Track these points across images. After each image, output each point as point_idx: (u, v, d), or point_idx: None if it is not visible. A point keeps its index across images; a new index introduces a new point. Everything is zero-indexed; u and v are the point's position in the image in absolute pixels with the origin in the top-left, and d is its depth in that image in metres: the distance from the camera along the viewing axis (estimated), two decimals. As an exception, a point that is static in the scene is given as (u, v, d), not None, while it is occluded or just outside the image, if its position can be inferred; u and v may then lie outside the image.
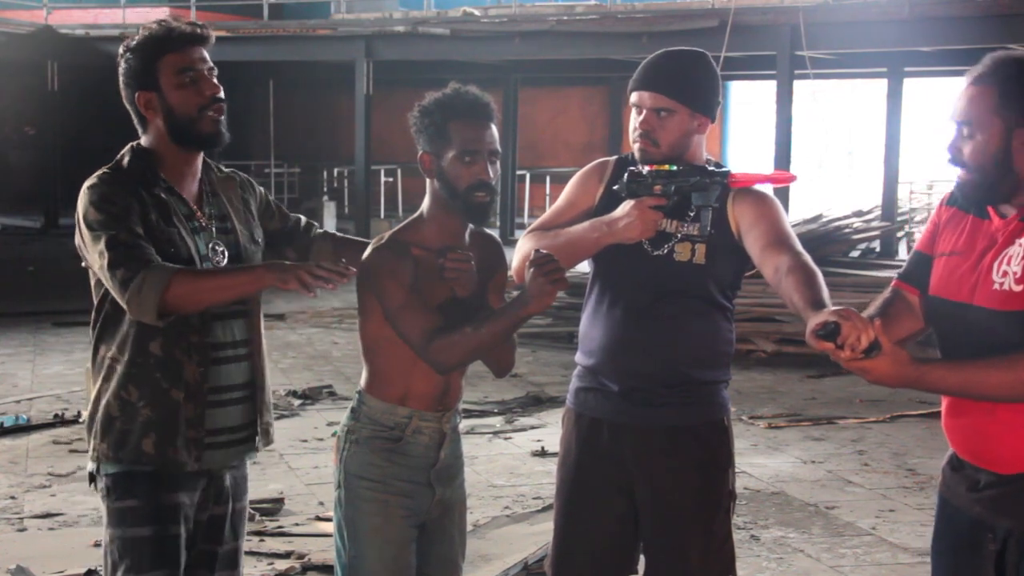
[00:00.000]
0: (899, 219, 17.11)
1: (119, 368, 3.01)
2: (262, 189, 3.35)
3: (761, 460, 6.95)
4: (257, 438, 3.18)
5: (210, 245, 3.05)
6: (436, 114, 3.01)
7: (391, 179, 22.94)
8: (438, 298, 3.03)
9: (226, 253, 3.07)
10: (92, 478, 3.09)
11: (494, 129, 3.04)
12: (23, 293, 13.23)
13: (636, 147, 3.18)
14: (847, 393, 8.79)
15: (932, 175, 20.91)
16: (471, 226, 3.12)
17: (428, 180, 3.07)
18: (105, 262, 2.89)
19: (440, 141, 3.00)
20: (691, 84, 3.16)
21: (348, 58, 16.66)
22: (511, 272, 3.22)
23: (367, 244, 3.40)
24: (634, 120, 3.19)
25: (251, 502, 5.75)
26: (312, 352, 10.32)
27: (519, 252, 3.20)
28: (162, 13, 19.23)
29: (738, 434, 3.38)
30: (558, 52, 15.57)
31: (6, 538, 5.46)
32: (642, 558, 3.32)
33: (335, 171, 24.37)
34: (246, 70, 20.54)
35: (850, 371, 2.54)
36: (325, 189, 24.35)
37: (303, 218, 3.42)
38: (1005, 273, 2.59)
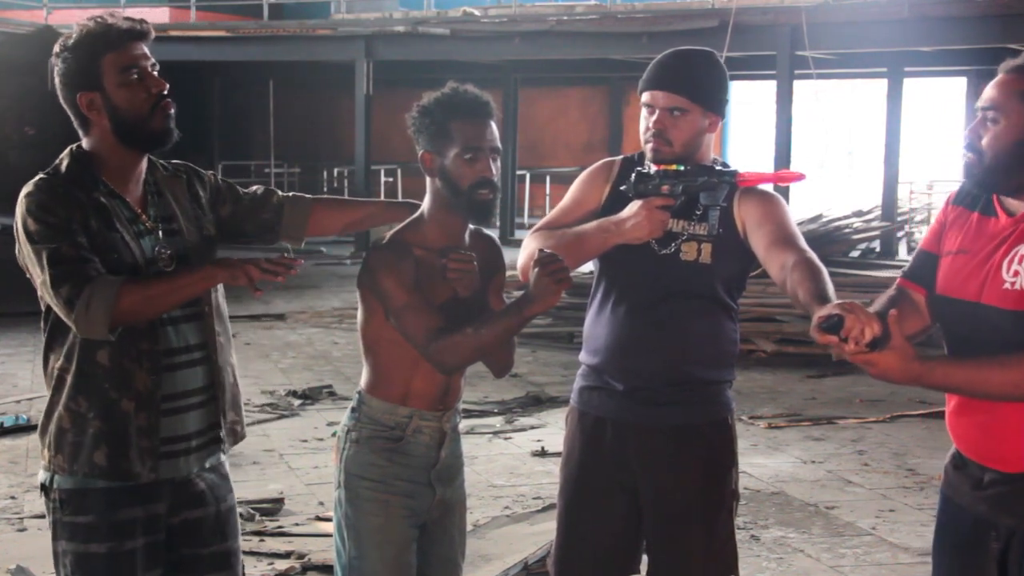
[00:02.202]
0: (899, 219, 17.10)
1: (68, 379, 2.89)
2: (211, 174, 3.20)
3: (761, 460, 6.95)
4: (223, 440, 3.07)
5: (156, 248, 2.92)
6: (437, 113, 3.00)
7: (391, 179, 22.93)
8: (440, 298, 3.02)
9: (173, 256, 2.94)
10: (44, 488, 2.98)
11: (494, 127, 3.04)
12: (23, 293, 13.12)
13: (648, 147, 3.17)
14: (847, 393, 8.79)
15: (932, 175, 20.92)
16: (471, 226, 3.12)
17: (429, 180, 3.06)
18: (47, 278, 2.78)
19: (442, 140, 3.00)
20: (703, 83, 3.17)
21: (348, 58, 16.66)
22: (517, 270, 3.22)
23: (351, 201, 3.39)
24: (645, 120, 3.18)
25: (251, 502, 5.80)
26: (312, 352, 10.31)
27: (525, 250, 3.20)
28: (162, 13, 19.25)
29: (738, 434, 3.38)
30: (558, 52, 15.57)
31: (6, 538, 5.46)
32: (645, 557, 3.32)
33: (335, 171, 24.37)
34: (246, 70, 20.56)
35: (854, 366, 2.53)
36: (325, 189, 24.34)
37: (259, 189, 3.25)
38: (1016, 272, 2.59)
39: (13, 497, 6.08)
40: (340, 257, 17.15)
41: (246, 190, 3.23)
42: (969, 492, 2.72)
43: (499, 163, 3.05)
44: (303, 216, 3.24)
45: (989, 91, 2.65)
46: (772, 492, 6.34)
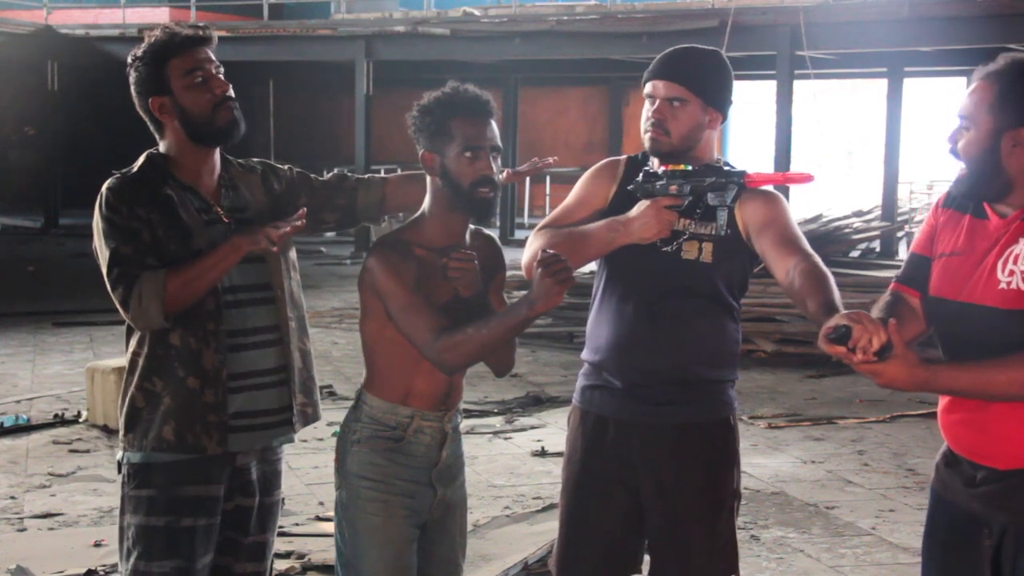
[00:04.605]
0: (899, 219, 17.10)
1: (140, 362, 3.12)
2: (287, 167, 3.39)
3: (761, 460, 6.95)
4: (294, 421, 3.24)
5: (228, 236, 3.10)
6: (437, 112, 3.00)
7: (391, 179, 22.93)
8: (441, 298, 3.02)
9: None
10: (119, 465, 3.19)
11: (495, 125, 3.03)
12: (23, 293, 13.21)
13: (647, 137, 3.16)
14: (847, 393, 8.79)
15: (932, 175, 20.92)
16: (471, 226, 3.12)
17: (429, 179, 3.06)
18: (108, 279, 3.03)
19: (442, 138, 3.00)
20: (704, 75, 3.16)
21: (348, 58, 16.68)
22: (522, 268, 3.22)
23: (412, 175, 3.44)
24: (647, 110, 3.17)
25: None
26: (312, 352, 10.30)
27: (529, 248, 3.19)
28: (162, 13, 19.24)
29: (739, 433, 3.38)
30: (558, 52, 15.59)
31: (6, 538, 5.45)
32: (647, 556, 3.32)
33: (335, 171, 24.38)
34: (246, 70, 20.53)
35: (859, 373, 2.54)
36: (325, 189, 24.33)
37: (334, 174, 3.45)
38: (1012, 272, 2.60)
39: (13, 497, 6.07)
40: (340, 257, 17.15)
41: (320, 177, 3.42)
42: (962, 489, 2.72)
43: (499, 162, 3.05)
44: (377, 196, 3.42)
45: (964, 98, 2.68)
46: (772, 492, 6.34)
